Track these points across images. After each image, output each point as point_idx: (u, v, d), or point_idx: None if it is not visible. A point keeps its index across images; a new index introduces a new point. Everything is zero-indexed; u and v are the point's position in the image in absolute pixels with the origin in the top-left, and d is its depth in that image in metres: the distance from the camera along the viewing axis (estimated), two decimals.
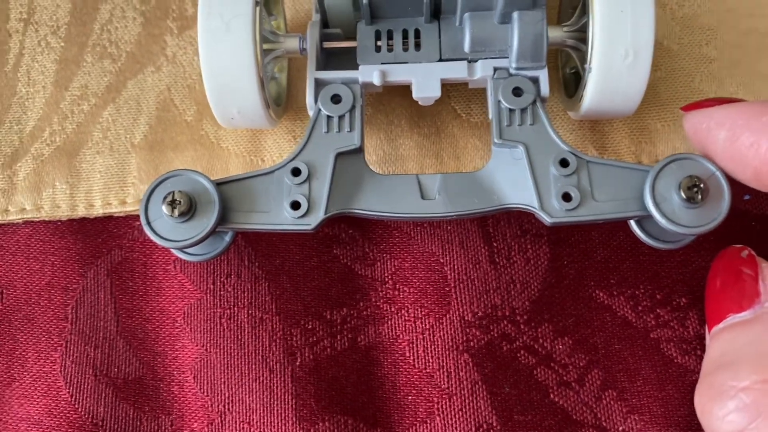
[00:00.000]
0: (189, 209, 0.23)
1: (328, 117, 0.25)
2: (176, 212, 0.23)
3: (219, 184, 0.24)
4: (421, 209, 0.24)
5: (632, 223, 0.25)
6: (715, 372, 0.21)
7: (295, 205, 0.24)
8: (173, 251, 0.26)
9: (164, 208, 0.23)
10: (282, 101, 0.29)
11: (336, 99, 0.25)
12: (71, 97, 0.30)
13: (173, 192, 0.23)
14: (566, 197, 0.23)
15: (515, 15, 0.24)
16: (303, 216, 0.23)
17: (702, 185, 0.22)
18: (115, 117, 0.29)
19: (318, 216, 0.23)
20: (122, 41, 0.30)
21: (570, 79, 0.28)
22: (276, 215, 0.24)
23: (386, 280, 0.27)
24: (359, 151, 0.25)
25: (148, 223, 0.23)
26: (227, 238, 0.26)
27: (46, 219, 0.28)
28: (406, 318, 0.26)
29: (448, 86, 0.29)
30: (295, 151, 0.24)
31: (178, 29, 0.30)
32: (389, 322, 0.26)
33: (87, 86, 0.30)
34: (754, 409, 0.19)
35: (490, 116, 0.25)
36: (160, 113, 0.29)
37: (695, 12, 0.30)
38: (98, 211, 0.28)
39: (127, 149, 0.29)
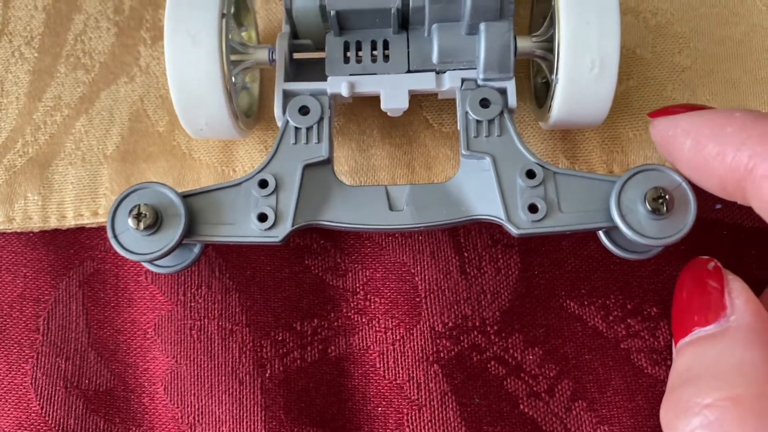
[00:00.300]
0: (155, 222, 0.23)
1: (296, 129, 0.25)
2: (142, 225, 0.23)
3: (186, 197, 0.24)
4: (389, 221, 0.24)
5: (601, 233, 0.25)
6: (680, 387, 0.21)
7: (262, 218, 0.24)
8: (143, 263, 0.26)
9: (130, 222, 0.23)
10: (253, 112, 0.29)
11: (304, 110, 0.25)
12: (44, 107, 0.30)
13: (139, 205, 0.23)
14: (533, 209, 0.23)
15: (482, 26, 0.24)
16: (270, 228, 0.23)
17: (667, 196, 0.22)
18: (88, 128, 0.29)
19: (285, 228, 0.23)
20: (96, 52, 0.30)
21: (541, 89, 0.28)
22: (243, 227, 0.24)
23: (357, 290, 0.27)
24: (327, 162, 0.25)
25: (115, 237, 0.23)
26: (196, 249, 0.26)
27: (18, 230, 0.28)
28: (377, 329, 0.26)
29: (419, 96, 0.29)
30: (262, 163, 0.24)
31: (151, 39, 0.30)
32: (360, 333, 0.26)
33: (60, 97, 0.30)
34: (718, 426, 0.19)
35: (459, 127, 0.25)
36: (132, 124, 0.29)
37: (668, 20, 0.30)
38: (70, 222, 0.28)
39: (99, 160, 0.29)
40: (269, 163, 0.24)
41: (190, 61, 0.24)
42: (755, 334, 0.20)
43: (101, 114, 0.29)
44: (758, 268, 0.27)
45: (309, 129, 0.25)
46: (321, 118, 0.25)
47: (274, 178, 0.24)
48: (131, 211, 0.23)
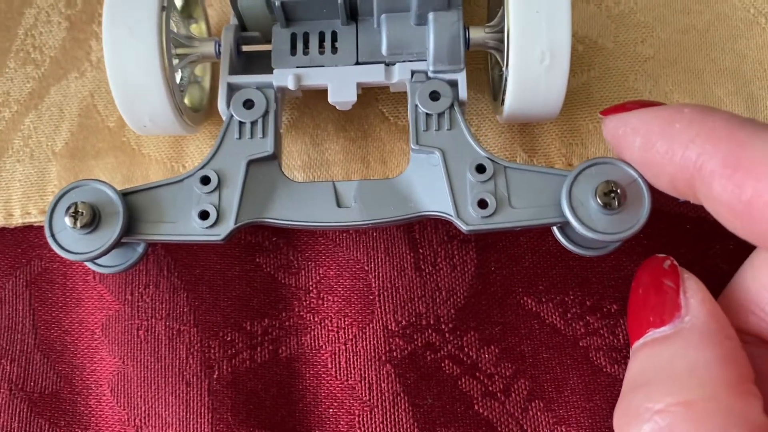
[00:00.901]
0: (92, 220, 0.22)
1: (240, 123, 0.24)
2: (78, 224, 0.22)
3: (126, 194, 0.23)
4: (337, 217, 0.23)
5: (555, 229, 0.24)
6: (632, 392, 0.20)
7: (204, 215, 0.23)
8: (86, 264, 0.26)
9: (67, 220, 0.22)
10: (203, 107, 0.28)
11: (249, 104, 0.24)
12: None
13: (76, 203, 0.22)
14: (482, 204, 0.22)
15: (431, 16, 0.24)
16: (212, 226, 0.23)
17: (619, 191, 0.21)
18: (37, 124, 0.29)
19: (228, 226, 0.23)
20: (46, 46, 0.30)
21: (499, 82, 0.27)
22: (185, 226, 0.23)
23: (310, 289, 0.26)
24: (273, 158, 0.24)
25: (53, 236, 0.23)
26: (140, 249, 0.25)
27: None
28: (330, 328, 0.26)
29: (376, 89, 0.28)
30: (205, 159, 0.24)
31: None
32: (312, 333, 0.26)
33: (9, 93, 0.29)
34: None
35: (409, 120, 0.24)
36: (82, 120, 0.28)
37: (631, 9, 0.29)
38: (17, 220, 0.27)
39: (48, 157, 0.28)
40: (212, 158, 0.24)
41: (129, 56, 0.23)
42: (709, 335, 0.19)
43: (51, 110, 0.29)
44: (722, 262, 0.26)
45: (254, 123, 0.24)
46: (266, 112, 0.24)
47: (216, 174, 0.23)
48: (68, 209, 0.22)
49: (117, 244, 0.22)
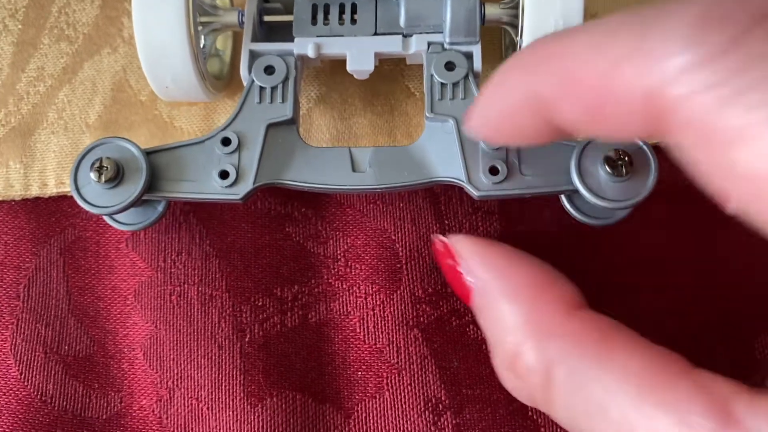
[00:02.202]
0: (116, 175, 0.23)
1: (261, 88, 0.25)
2: (103, 178, 0.23)
3: (149, 153, 0.24)
4: (351, 181, 0.24)
5: (563, 199, 0.25)
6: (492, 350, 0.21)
7: (224, 175, 0.24)
8: (105, 219, 0.26)
9: (92, 175, 0.23)
10: (224, 77, 0.29)
11: (269, 70, 0.25)
12: (27, 78, 0.30)
13: (101, 158, 0.23)
14: (493, 171, 0.23)
15: None
16: (231, 185, 0.24)
17: (627, 158, 0.22)
18: (71, 98, 0.29)
19: (246, 186, 0.24)
20: (79, 23, 0.31)
21: None
22: (204, 184, 0.24)
23: (338, 257, 0.27)
24: (292, 122, 0.25)
25: (77, 189, 0.24)
26: (160, 207, 0.26)
27: (0, 198, 0.28)
28: (358, 295, 0.26)
29: (402, 65, 0.29)
30: (226, 122, 0.24)
31: None
32: (340, 299, 0.26)
33: (43, 68, 0.30)
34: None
35: (424, 90, 0.25)
36: (115, 94, 0.29)
37: None
38: (52, 190, 0.28)
39: (81, 129, 0.29)
40: (233, 121, 0.24)
41: (157, 18, 0.24)
42: (501, 288, 0.20)
43: (84, 84, 0.29)
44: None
45: (274, 89, 0.25)
46: (286, 78, 0.25)
47: (237, 136, 0.24)
48: (93, 164, 0.23)
49: (139, 200, 0.23)
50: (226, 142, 0.24)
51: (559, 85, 0.16)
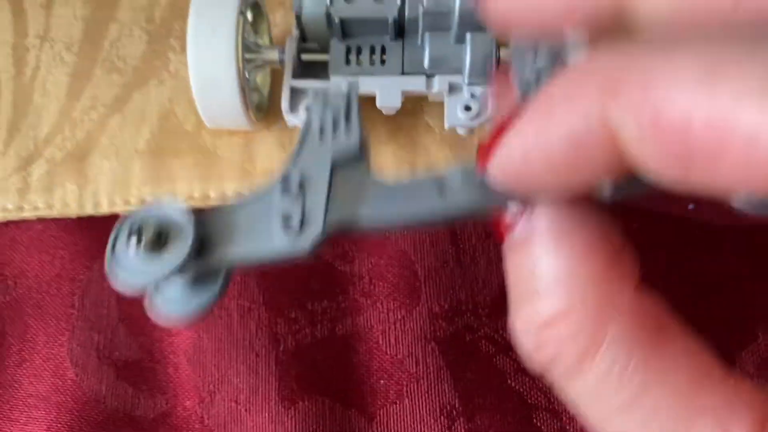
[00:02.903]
0: (157, 241, 0.18)
1: (321, 121, 0.20)
2: (141, 245, 0.18)
3: (199, 215, 0.19)
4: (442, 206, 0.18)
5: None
6: (514, 304, 0.17)
7: (286, 223, 0.18)
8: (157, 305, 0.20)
9: (128, 241, 0.19)
10: (263, 110, 0.32)
11: (328, 102, 0.21)
12: (82, 107, 0.33)
13: (141, 225, 0.19)
14: None
15: (468, 36, 0.28)
16: (296, 236, 0.18)
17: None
18: (122, 125, 0.32)
19: (313, 234, 0.18)
20: (129, 57, 0.34)
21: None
22: (263, 243, 0.19)
23: (363, 275, 0.30)
24: (360, 157, 0.20)
25: (112, 259, 0.19)
26: (217, 287, 0.19)
27: (57, 216, 0.31)
28: (380, 310, 0.29)
29: (422, 102, 0.32)
30: (286, 166, 0.19)
31: (180, 47, 0.34)
32: (365, 314, 0.29)
33: (96, 97, 0.33)
34: None
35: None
36: (162, 122, 0.32)
37: None
38: (104, 209, 0.31)
39: (131, 154, 0.32)
40: (293, 162, 0.19)
41: (209, 50, 0.27)
42: (554, 234, 0.16)
43: (133, 113, 0.32)
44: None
45: (336, 121, 0.21)
46: (349, 108, 0.21)
47: (299, 177, 0.19)
48: (132, 229, 0.19)
49: (185, 268, 0.18)
50: (286, 187, 0.19)
51: (648, 122, 0.12)
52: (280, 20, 0.34)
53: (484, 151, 0.16)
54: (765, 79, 0.11)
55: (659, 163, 0.13)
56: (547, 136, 0.14)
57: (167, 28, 0.34)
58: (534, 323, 0.16)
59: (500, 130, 0.15)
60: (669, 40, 0.13)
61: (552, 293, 0.16)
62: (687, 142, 0.12)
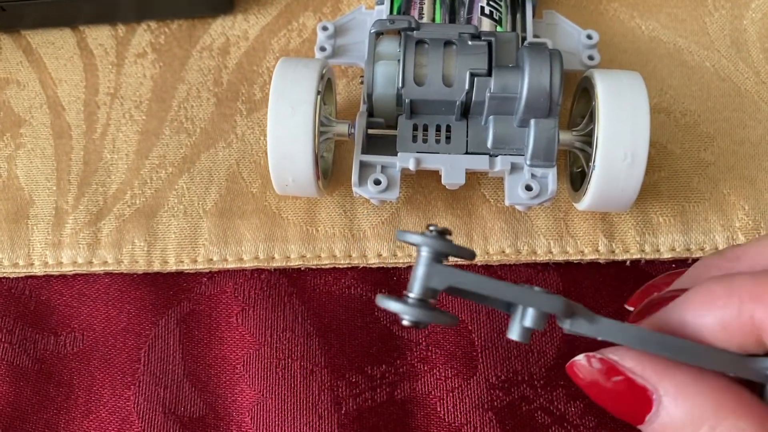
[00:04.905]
0: None
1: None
2: None
3: None
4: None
5: None
6: None
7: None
8: None
9: None
10: (328, 176, 0.33)
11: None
12: (150, 165, 0.34)
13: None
14: None
15: (532, 122, 0.29)
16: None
17: None
18: (189, 185, 0.34)
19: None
20: (197, 118, 0.35)
21: (576, 176, 0.33)
22: None
23: (420, 341, 0.31)
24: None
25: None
26: None
27: (125, 272, 0.32)
28: (438, 377, 0.30)
29: (478, 175, 0.33)
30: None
31: (246, 111, 0.35)
32: (422, 380, 0.30)
33: (165, 156, 0.34)
34: None
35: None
36: (229, 184, 0.34)
37: (696, 120, 0.34)
38: (171, 267, 0.32)
39: (199, 214, 0.33)
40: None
41: (288, 127, 0.29)
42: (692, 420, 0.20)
43: (201, 173, 0.34)
44: None
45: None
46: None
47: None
48: None
49: None
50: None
51: None
52: (342, 89, 0.36)
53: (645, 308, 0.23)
54: None
55: None
56: (705, 316, 0.21)
57: (234, 91, 0.36)
58: None
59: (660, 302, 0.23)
60: None
61: None
62: None
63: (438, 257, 0.22)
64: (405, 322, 0.22)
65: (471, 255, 0.23)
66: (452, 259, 0.24)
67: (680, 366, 0.20)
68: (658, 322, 0.22)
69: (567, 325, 0.21)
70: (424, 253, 0.22)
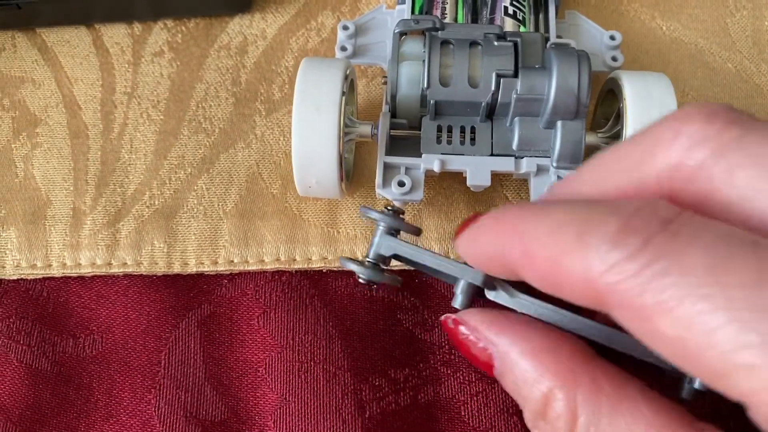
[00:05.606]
0: None
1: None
2: None
3: None
4: None
5: None
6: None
7: None
8: None
9: None
10: (350, 177, 0.33)
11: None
12: (169, 165, 0.34)
13: None
14: None
15: (559, 123, 0.29)
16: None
17: None
18: (209, 186, 0.33)
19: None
20: (215, 118, 0.35)
21: None
22: None
23: (443, 344, 0.31)
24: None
25: None
26: None
27: (145, 273, 0.32)
28: (461, 381, 0.30)
29: (501, 176, 0.33)
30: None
31: (266, 111, 0.35)
32: (446, 383, 0.30)
33: (184, 156, 0.34)
34: None
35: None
36: (249, 185, 0.33)
37: None
38: (192, 269, 0.32)
39: (219, 216, 0.33)
40: None
41: (312, 128, 0.28)
42: (519, 352, 0.22)
43: (221, 174, 0.33)
44: None
45: None
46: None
47: None
48: None
49: None
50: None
51: (520, 257, 0.20)
52: (362, 89, 0.35)
53: (459, 230, 0.24)
54: None
55: (533, 280, 0.21)
56: (472, 246, 0.23)
57: (253, 91, 0.35)
58: (537, 413, 0.22)
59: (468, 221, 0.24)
60: None
61: (536, 385, 0.21)
62: (542, 270, 0.20)
63: (390, 231, 0.26)
64: (360, 280, 0.26)
65: (417, 231, 0.27)
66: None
67: (538, 329, 0.23)
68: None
69: (492, 296, 0.25)
70: (380, 227, 0.26)
